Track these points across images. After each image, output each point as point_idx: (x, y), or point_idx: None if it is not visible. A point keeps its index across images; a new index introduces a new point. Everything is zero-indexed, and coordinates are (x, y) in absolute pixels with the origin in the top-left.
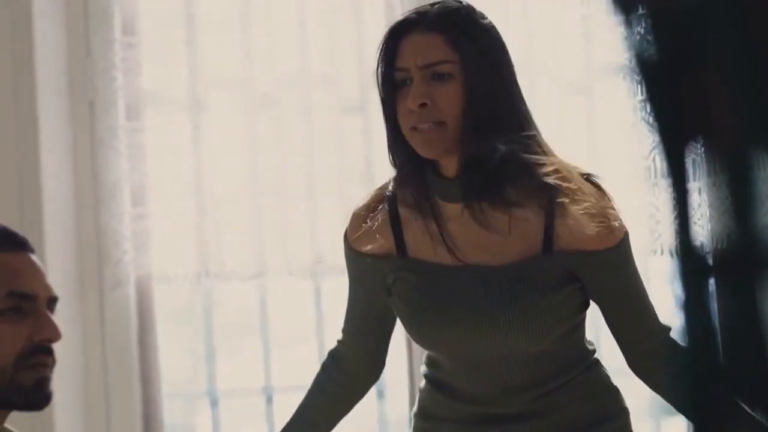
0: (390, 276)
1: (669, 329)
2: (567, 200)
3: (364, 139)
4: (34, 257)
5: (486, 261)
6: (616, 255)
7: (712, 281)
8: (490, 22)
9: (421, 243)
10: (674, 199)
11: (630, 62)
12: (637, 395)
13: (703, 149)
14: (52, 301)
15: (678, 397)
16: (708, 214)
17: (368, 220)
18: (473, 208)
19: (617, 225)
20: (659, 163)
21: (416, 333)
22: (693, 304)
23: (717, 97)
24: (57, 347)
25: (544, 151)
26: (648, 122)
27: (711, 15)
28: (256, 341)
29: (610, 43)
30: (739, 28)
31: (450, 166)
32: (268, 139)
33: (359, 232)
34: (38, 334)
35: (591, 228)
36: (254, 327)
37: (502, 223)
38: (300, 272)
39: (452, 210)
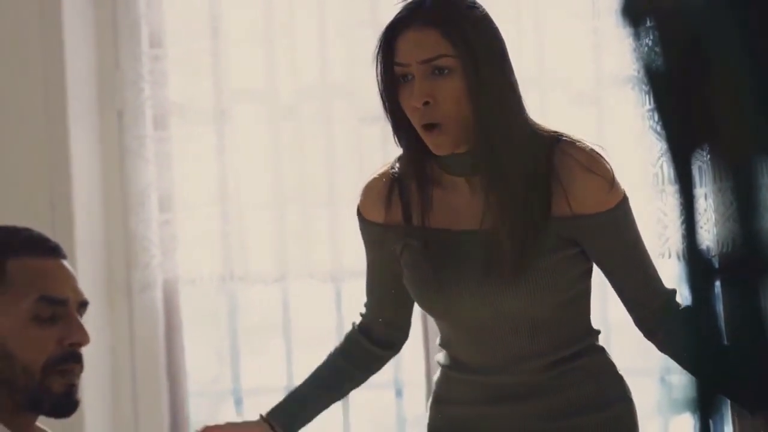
0: (398, 245)
1: (674, 291)
2: (570, 160)
3: (382, 147)
4: (65, 263)
5: (487, 227)
6: (615, 217)
7: (717, 283)
8: (483, 10)
9: (426, 212)
10: (681, 204)
11: (638, 73)
12: (645, 394)
13: (708, 157)
14: (83, 305)
15: (683, 357)
16: (714, 219)
17: (378, 192)
18: (491, 176)
19: (615, 187)
20: (667, 170)
21: (424, 298)
22: (699, 305)
23: (722, 107)
24: (88, 347)
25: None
26: (656, 131)
27: (716, 28)
28: (278, 342)
29: (620, 55)
30: (743, 40)
31: (461, 148)
32: (290, 147)
33: (370, 203)
34: (68, 337)
35: (590, 187)
36: (277, 328)
37: (508, 191)
38: (321, 276)
39: (457, 182)
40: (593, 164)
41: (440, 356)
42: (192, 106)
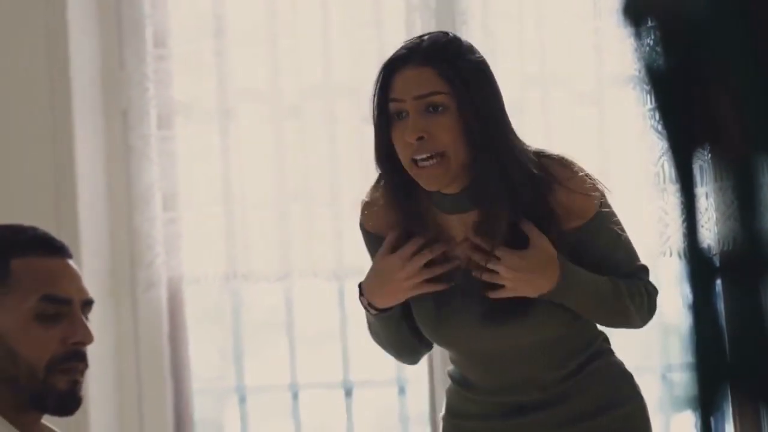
0: None
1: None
2: (558, 187)
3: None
4: (70, 262)
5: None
6: (600, 222)
7: (718, 282)
8: (480, 56)
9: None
10: (682, 203)
11: (640, 73)
12: (646, 391)
13: (709, 156)
14: (87, 304)
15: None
16: (714, 217)
17: (379, 208)
18: (487, 216)
19: (594, 198)
20: (668, 169)
21: (428, 332)
22: (700, 303)
23: (723, 106)
24: (93, 346)
25: (532, 157)
26: (657, 130)
27: (717, 27)
28: (282, 340)
29: (621, 55)
30: (744, 39)
31: (451, 187)
32: (294, 147)
33: (373, 217)
34: (71, 337)
35: (576, 202)
36: (280, 326)
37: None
38: (324, 274)
39: (453, 218)
40: (579, 182)
41: (451, 370)
42: (196, 105)
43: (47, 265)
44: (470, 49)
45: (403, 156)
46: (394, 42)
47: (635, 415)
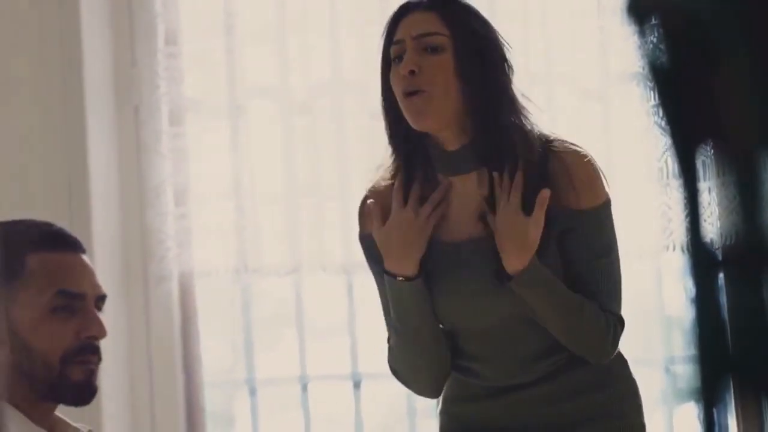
0: None
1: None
2: (561, 161)
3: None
4: (84, 257)
5: (482, 233)
6: (595, 217)
7: (721, 275)
8: (486, 20)
9: None
10: (685, 198)
11: (643, 70)
12: (649, 384)
13: (712, 151)
14: (101, 299)
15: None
16: (717, 212)
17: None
18: (486, 173)
19: (601, 188)
20: (671, 164)
21: (444, 306)
22: (703, 297)
23: (725, 103)
24: (106, 339)
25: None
26: (660, 126)
27: (719, 25)
28: (291, 333)
29: (625, 52)
30: (745, 36)
31: (449, 141)
32: (303, 142)
33: (370, 218)
34: (85, 331)
35: (581, 183)
36: (290, 320)
37: (505, 190)
38: (333, 268)
39: (451, 183)
40: (586, 167)
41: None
42: (207, 102)
43: (61, 261)
44: (475, 9)
45: (397, 92)
46: None
47: (626, 395)
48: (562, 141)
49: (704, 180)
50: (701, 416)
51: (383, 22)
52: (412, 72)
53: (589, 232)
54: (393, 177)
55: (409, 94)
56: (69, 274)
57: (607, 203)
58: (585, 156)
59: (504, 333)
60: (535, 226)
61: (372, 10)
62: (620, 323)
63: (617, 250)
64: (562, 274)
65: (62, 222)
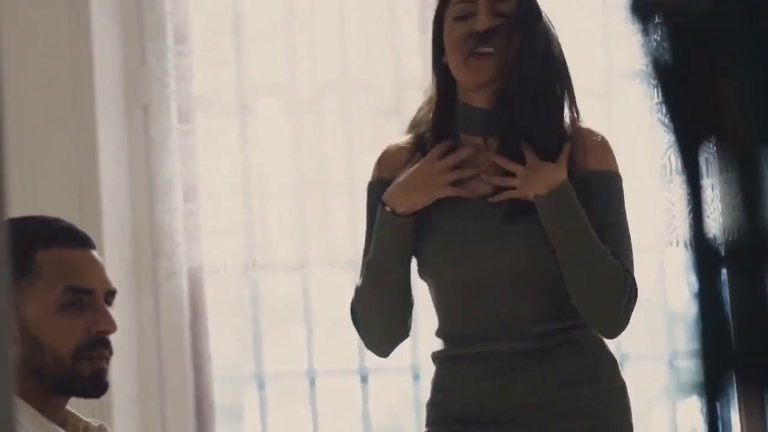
0: None
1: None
2: (578, 135)
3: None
4: (94, 253)
5: (494, 191)
6: (609, 182)
7: (723, 271)
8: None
9: None
10: (688, 194)
11: (647, 68)
12: (653, 377)
13: (715, 148)
14: (111, 294)
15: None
16: (720, 208)
17: (396, 157)
18: (506, 139)
19: (614, 161)
20: (674, 161)
21: (428, 260)
22: (706, 292)
23: (728, 100)
24: (116, 334)
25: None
26: (664, 123)
27: (722, 24)
28: (299, 328)
29: (629, 50)
30: (748, 34)
31: (482, 99)
32: (311, 140)
33: (390, 165)
34: (95, 326)
35: (593, 147)
36: (298, 315)
37: (524, 156)
38: (340, 264)
39: (474, 142)
40: (602, 139)
41: (436, 352)
42: (215, 100)
43: (71, 257)
44: None
45: (461, 50)
46: (408, 38)
47: (616, 392)
48: (588, 127)
49: (707, 177)
50: (704, 410)
51: (391, 21)
52: (486, 31)
53: (603, 193)
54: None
55: (477, 53)
56: (78, 270)
57: (618, 175)
58: (605, 138)
59: (501, 288)
60: (559, 169)
61: (379, 9)
62: (635, 293)
63: (629, 229)
64: None
65: (73, 218)
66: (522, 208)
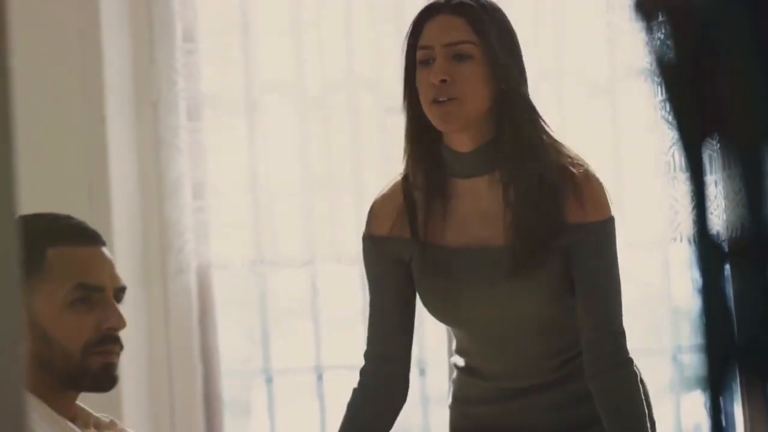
0: (407, 258)
1: (621, 336)
2: (570, 177)
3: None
4: (104, 250)
5: (492, 239)
6: (601, 231)
7: (727, 266)
8: (507, 19)
9: (431, 225)
10: (692, 191)
11: (651, 65)
12: (657, 372)
13: (718, 145)
14: (120, 291)
15: (610, 419)
16: (723, 204)
17: (387, 211)
18: (513, 168)
19: (607, 205)
20: (678, 158)
21: (437, 308)
22: (710, 287)
23: (731, 97)
24: (125, 329)
25: (550, 135)
26: (667, 120)
27: (724, 22)
28: (307, 324)
29: (633, 48)
30: (749, 33)
31: (463, 142)
32: (318, 137)
33: (380, 221)
34: (105, 322)
35: (588, 198)
36: (305, 310)
37: (511, 197)
38: (347, 260)
39: (462, 187)
40: (592, 179)
41: (456, 360)
42: (224, 97)
43: (81, 254)
44: (500, 11)
45: (425, 98)
46: None
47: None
48: (574, 156)
49: (710, 173)
50: (708, 404)
51: (397, 20)
52: (443, 81)
53: (596, 243)
54: (404, 176)
55: (437, 101)
56: (88, 267)
57: (612, 220)
58: (593, 174)
59: (508, 333)
60: None
61: (386, 8)
62: (624, 336)
63: (619, 268)
64: (565, 290)
65: (83, 215)
66: (525, 259)
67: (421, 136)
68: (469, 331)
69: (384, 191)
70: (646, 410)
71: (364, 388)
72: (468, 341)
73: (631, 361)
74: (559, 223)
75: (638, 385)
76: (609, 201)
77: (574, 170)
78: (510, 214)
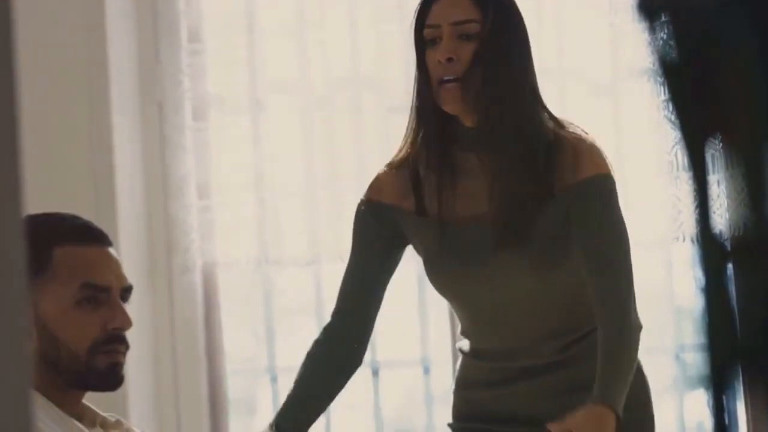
0: (409, 232)
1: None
2: (566, 148)
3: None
4: (110, 250)
5: (487, 213)
6: (596, 187)
7: (730, 266)
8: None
9: (436, 200)
10: (695, 190)
11: (653, 65)
12: (660, 371)
13: (720, 144)
14: (126, 291)
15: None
16: (726, 204)
17: (391, 182)
18: (492, 157)
19: (603, 163)
20: (681, 157)
21: (442, 285)
22: (712, 286)
23: (733, 97)
24: (131, 328)
25: (552, 114)
26: (670, 120)
27: (728, 21)
28: (311, 322)
29: (636, 48)
30: (752, 32)
31: (469, 117)
32: (323, 137)
33: (385, 189)
34: (111, 322)
35: (581, 157)
36: (310, 309)
37: (513, 169)
38: None
39: (467, 160)
40: (587, 141)
41: (462, 344)
42: (229, 97)
43: (87, 254)
44: None
45: (434, 76)
46: None
47: (635, 388)
48: (574, 128)
49: (713, 172)
50: (711, 403)
51: (401, 19)
52: (449, 59)
53: (594, 199)
54: (408, 150)
55: (445, 80)
56: (94, 267)
57: (608, 176)
58: (590, 139)
59: (512, 310)
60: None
61: (390, 7)
62: (634, 312)
63: (625, 226)
64: (561, 266)
65: (89, 214)
66: (523, 231)
67: (431, 115)
68: (468, 306)
69: (390, 163)
70: (634, 367)
71: (322, 343)
72: (468, 319)
73: (639, 328)
74: (546, 189)
75: (636, 344)
76: (606, 161)
77: (570, 142)
78: (493, 186)
